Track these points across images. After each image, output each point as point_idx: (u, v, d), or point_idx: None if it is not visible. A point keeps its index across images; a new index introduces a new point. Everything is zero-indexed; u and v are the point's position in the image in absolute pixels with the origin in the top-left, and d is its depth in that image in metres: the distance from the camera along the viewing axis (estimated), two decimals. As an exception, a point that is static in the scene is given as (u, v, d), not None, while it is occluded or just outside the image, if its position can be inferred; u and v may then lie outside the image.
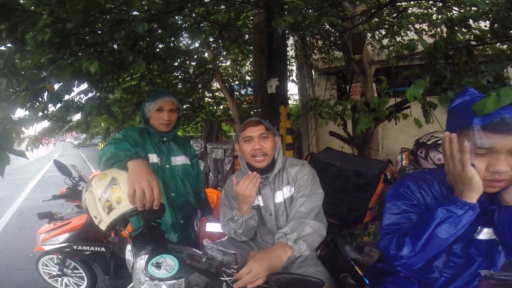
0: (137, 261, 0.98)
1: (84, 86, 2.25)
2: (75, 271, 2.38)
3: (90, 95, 2.72)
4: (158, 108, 1.64)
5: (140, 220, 1.15)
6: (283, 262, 0.94)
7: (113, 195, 1.04)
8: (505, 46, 2.08)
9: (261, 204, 1.36)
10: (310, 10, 3.03)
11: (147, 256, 0.96)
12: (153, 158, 1.63)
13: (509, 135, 0.75)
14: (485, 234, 0.95)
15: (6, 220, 4.73)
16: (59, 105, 1.85)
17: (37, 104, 1.54)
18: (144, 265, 0.93)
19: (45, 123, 2.57)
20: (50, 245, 2.32)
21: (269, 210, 1.35)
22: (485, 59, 1.69)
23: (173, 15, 1.75)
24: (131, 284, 1.14)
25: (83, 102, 2.66)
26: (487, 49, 2.25)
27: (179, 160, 1.74)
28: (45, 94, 1.50)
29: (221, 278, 0.88)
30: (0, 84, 1.22)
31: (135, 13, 1.77)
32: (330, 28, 3.81)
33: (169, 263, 0.93)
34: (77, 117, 3.15)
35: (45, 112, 1.90)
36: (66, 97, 1.84)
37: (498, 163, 0.77)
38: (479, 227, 0.95)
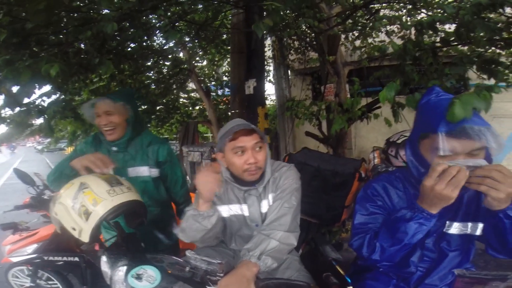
0: (115, 273, 0.93)
1: (47, 87, 2.09)
2: (49, 282, 2.25)
3: (54, 97, 2.53)
4: (96, 112, 1.46)
5: (114, 229, 1.10)
6: (250, 280, 0.87)
7: (86, 198, 0.98)
8: (466, 48, 2.24)
9: (246, 214, 1.24)
10: (288, 11, 3.06)
11: (125, 267, 0.92)
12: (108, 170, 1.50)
13: (470, 140, 0.83)
14: (455, 228, 1.01)
15: (-32, 231, 4.33)
16: (18, 109, 1.71)
17: None
18: (124, 277, 0.89)
19: (2, 128, 2.36)
20: (18, 257, 2.19)
21: (255, 221, 1.24)
22: (450, 61, 1.82)
23: (146, 14, 1.67)
24: None
25: (45, 105, 2.46)
26: (451, 51, 2.41)
27: (137, 171, 1.56)
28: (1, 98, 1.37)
29: (207, 287, 0.85)
30: None
31: (105, 11, 1.67)
32: (306, 29, 3.89)
33: (150, 274, 0.89)
34: (39, 120, 2.92)
35: (2, 115, 1.74)
36: (26, 100, 1.70)
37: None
38: (447, 221, 1.01)
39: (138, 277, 0.88)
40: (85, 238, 0.99)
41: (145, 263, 0.92)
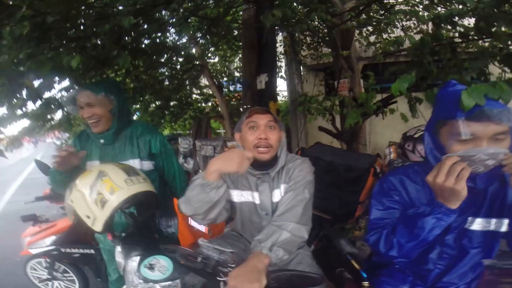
0: (129, 263, 0.94)
1: (66, 83, 2.15)
2: (66, 275, 2.32)
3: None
4: (78, 105, 1.40)
5: (128, 220, 1.11)
6: (261, 272, 0.86)
7: (104, 186, 1.00)
8: (487, 44, 2.15)
9: (257, 202, 1.24)
10: (300, 6, 3.02)
11: (138, 257, 0.93)
12: (95, 165, 1.43)
13: (490, 123, 0.80)
14: (478, 224, 0.97)
15: (-10, 224, 4.52)
16: (39, 102, 1.76)
17: (15, 101, 1.46)
18: (137, 267, 0.90)
19: (25, 123, 2.45)
20: (37, 249, 2.25)
21: (265, 210, 1.24)
22: (469, 57, 1.75)
23: (160, 9, 1.69)
24: (124, 287, 1.11)
25: (64, 99, 2.53)
26: (470, 46, 2.31)
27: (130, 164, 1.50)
28: (24, 91, 1.42)
29: (218, 278, 0.85)
30: None
31: (120, 7, 1.70)
32: (318, 24, 3.83)
33: (163, 264, 0.90)
34: (58, 115, 3.02)
35: (24, 110, 1.80)
36: (47, 94, 1.75)
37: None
38: (469, 217, 0.97)
39: (151, 267, 0.89)
40: (98, 227, 1.01)
41: (158, 253, 0.93)
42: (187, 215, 1.11)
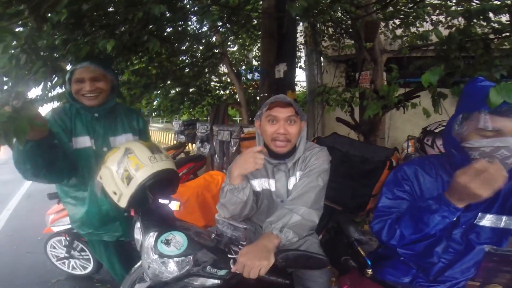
0: (146, 239, 0.96)
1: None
2: (82, 253, 2.35)
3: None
4: (77, 79, 1.35)
5: (150, 196, 1.12)
6: (270, 251, 0.90)
7: (130, 163, 1.03)
8: None
9: (273, 189, 1.27)
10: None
11: (156, 233, 0.95)
12: (85, 141, 1.38)
13: None
14: (488, 221, 0.97)
15: (15, 203, 4.72)
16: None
17: (55, 79, 1.55)
18: (154, 243, 0.93)
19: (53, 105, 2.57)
20: (59, 226, 2.27)
21: (280, 197, 1.26)
22: (501, 54, 1.67)
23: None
24: (139, 263, 1.15)
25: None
26: (505, 43, 2.19)
27: (121, 140, 1.47)
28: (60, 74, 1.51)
29: (228, 256, 0.89)
30: (20, 60, 1.23)
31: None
32: (342, 15, 3.72)
33: (178, 239, 0.92)
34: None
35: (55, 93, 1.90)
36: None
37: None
38: (479, 213, 0.98)
39: (167, 243, 0.91)
40: (123, 203, 1.03)
41: (175, 229, 0.95)
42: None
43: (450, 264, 1.04)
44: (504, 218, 0.95)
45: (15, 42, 1.20)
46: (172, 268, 0.90)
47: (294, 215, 1.05)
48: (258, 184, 1.29)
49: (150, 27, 2.02)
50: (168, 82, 4.51)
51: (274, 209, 1.27)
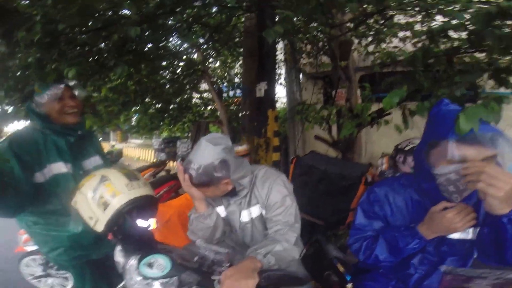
0: (129, 262, 0.98)
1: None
2: (60, 272, 2.34)
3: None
4: (57, 98, 1.31)
5: (128, 222, 1.12)
6: (254, 271, 0.92)
7: (106, 190, 1.04)
8: (483, 55, 2.20)
9: (227, 219, 1.31)
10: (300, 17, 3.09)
11: (138, 256, 0.97)
12: (60, 167, 1.33)
13: (481, 147, 0.84)
14: (455, 234, 1.01)
15: (-19, 222, 4.50)
16: None
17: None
18: (136, 265, 0.94)
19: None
20: (32, 246, 2.24)
21: (234, 227, 1.31)
22: (463, 68, 1.82)
23: (165, 17, 1.76)
24: (121, 284, 1.14)
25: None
26: (466, 57, 2.37)
27: (92, 162, 1.46)
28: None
29: (212, 277, 0.90)
30: None
31: (125, 11, 1.76)
32: (318, 34, 3.91)
33: (161, 262, 0.94)
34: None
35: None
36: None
37: None
38: None
39: (150, 265, 0.93)
40: (99, 228, 1.04)
41: (157, 252, 0.97)
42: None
43: (426, 274, 1.07)
44: (471, 230, 1.01)
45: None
46: (158, 290, 0.90)
47: (277, 244, 1.08)
48: (222, 211, 1.30)
49: (131, 44, 2.03)
50: (147, 99, 4.48)
51: (232, 236, 1.33)
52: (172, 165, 6.59)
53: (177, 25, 1.94)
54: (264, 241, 1.14)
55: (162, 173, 4.51)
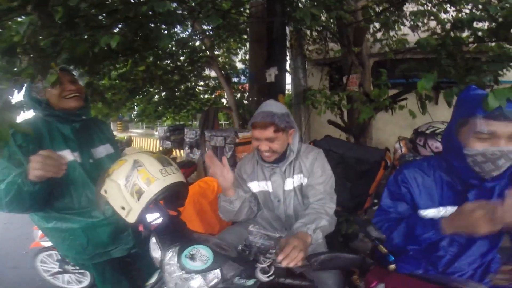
0: (167, 255, 0.92)
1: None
2: (77, 267, 2.23)
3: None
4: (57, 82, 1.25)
5: (162, 210, 1.09)
6: (306, 243, 1.00)
7: (140, 177, 0.97)
8: (494, 44, 2.19)
9: (270, 190, 1.39)
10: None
11: (177, 248, 0.92)
12: (67, 155, 1.24)
13: (508, 122, 0.87)
14: None
15: (-10, 217, 4.46)
16: None
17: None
18: (177, 258, 0.89)
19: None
20: (49, 241, 2.18)
21: (277, 197, 1.38)
22: (487, 59, 1.80)
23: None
24: (153, 279, 1.07)
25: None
26: (485, 50, 2.35)
27: (102, 150, 1.40)
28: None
29: (258, 264, 0.86)
30: (21, 62, 1.13)
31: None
32: (327, 20, 3.83)
33: (203, 253, 0.88)
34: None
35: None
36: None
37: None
38: None
39: (192, 257, 0.87)
40: (132, 218, 0.97)
41: (197, 243, 0.92)
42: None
43: (456, 256, 1.09)
44: None
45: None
46: (200, 283, 0.86)
47: (323, 220, 1.19)
48: (256, 186, 1.41)
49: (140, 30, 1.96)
50: (154, 86, 4.40)
51: (273, 209, 1.41)
52: (177, 154, 6.55)
53: (192, 11, 1.86)
54: (309, 215, 1.20)
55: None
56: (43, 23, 1.13)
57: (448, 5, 2.89)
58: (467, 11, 2.68)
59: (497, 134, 0.87)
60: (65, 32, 1.37)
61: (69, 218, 1.28)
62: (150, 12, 1.31)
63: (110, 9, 1.41)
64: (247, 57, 5.61)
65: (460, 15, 2.91)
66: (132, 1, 1.50)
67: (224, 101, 6.44)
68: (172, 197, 1.14)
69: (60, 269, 2.25)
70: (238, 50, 6.30)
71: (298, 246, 0.91)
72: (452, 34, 1.93)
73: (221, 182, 1.24)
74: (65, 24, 1.32)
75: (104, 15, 1.45)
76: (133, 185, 0.97)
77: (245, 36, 5.30)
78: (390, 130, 5.48)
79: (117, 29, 1.63)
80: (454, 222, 0.93)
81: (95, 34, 1.28)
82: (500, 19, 1.58)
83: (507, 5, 1.46)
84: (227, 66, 6.16)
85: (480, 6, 2.12)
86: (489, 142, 0.89)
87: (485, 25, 1.91)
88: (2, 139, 0.67)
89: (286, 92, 7.77)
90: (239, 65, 6.70)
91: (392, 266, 0.93)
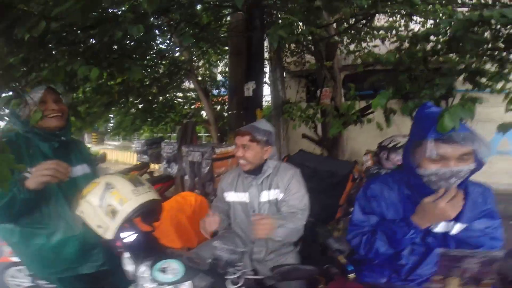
0: (140, 269, 0.98)
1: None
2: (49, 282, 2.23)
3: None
4: (40, 100, 1.27)
5: (136, 228, 1.14)
6: (274, 227, 1.16)
7: (113, 198, 1.03)
8: (453, 56, 2.38)
9: (247, 201, 1.51)
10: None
11: (149, 262, 0.98)
12: None
13: (457, 145, 0.95)
14: (439, 227, 1.11)
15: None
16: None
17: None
18: (149, 272, 0.95)
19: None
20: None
21: (252, 207, 1.49)
22: (438, 67, 1.96)
23: (157, 16, 1.72)
24: None
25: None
26: (440, 58, 2.55)
27: (79, 169, 1.40)
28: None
29: (226, 277, 0.92)
30: None
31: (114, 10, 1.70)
32: (304, 35, 4.00)
33: (174, 267, 0.95)
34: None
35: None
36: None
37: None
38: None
39: (163, 270, 0.94)
40: (109, 235, 1.04)
41: (168, 257, 0.98)
42: None
43: (416, 264, 1.17)
44: (450, 223, 1.10)
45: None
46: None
47: (290, 223, 1.30)
48: (233, 196, 1.54)
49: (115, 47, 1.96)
50: (130, 99, 4.33)
51: (248, 219, 1.48)
52: (155, 168, 6.41)
53: (170, 24, 1.91)
54: (279, 215, 1.32)
55: (146, 176, 4.39)
56: (9, 49, 1.13)
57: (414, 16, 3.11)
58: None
59: (447, 156, 0.96)
60: (34, 52, 1.36)
61: (37, 233, 1.27)
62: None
63: (81, 30, 1.41)
64: (227, 69, 5.68)
65: (425, 26, 3.14)
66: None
67: (204, 113, 6.44)
68: (147, 213, 1.18)
69: (32, 284, 2.13)
70: (218, 62, 6.37)
71: (270, 220, 1.04)
72: (408, 48, 2.08)
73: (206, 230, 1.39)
74: (37, 44, 1.32)
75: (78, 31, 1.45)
76: (107, 205, 1.04)
77: (226, 48, 5.38)
78: (363, 140, 5.68)
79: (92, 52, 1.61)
80: (423, 217, 1.02)
81: (72, 63, 1.28)
82: (449, 33, 1.73)
83: (458, 19, 1.59)
84: (207, 78, 6.19)
85: (437, 20, 2.31)
86: (441, 163, 0.97)
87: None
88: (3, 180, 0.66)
89: (266, 104, 7.95)
90: (220, 77, 6.77)
91: (352, 275, 0.99)
